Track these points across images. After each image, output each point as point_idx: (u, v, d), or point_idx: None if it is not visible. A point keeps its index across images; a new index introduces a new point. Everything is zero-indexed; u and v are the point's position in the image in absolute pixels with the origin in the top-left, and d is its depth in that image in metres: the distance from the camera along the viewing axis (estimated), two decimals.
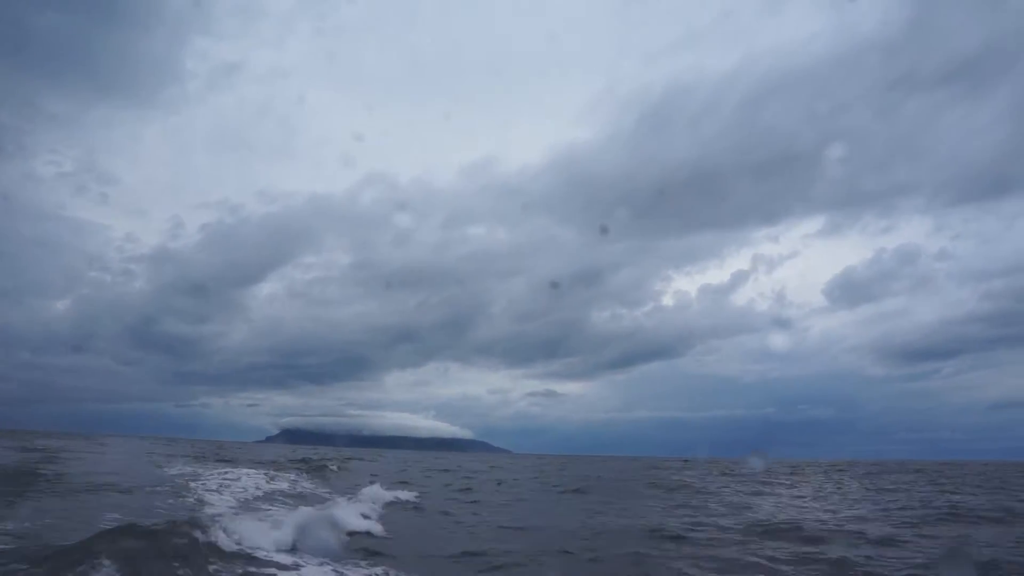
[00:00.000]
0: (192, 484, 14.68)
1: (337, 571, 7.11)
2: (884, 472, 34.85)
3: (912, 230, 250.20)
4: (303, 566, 6.99)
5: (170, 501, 11.64)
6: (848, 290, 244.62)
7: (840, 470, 37.67)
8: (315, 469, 23.55)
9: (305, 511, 10.30)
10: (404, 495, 15.82)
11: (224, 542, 7.02)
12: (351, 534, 9.72)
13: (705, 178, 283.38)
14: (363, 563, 7.75)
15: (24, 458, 18.91)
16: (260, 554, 7.08)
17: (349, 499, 13.29)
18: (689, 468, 37.39)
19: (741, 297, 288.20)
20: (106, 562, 5.31)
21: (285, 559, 7.16)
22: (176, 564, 5.87)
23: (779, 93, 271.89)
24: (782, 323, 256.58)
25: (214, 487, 14.16)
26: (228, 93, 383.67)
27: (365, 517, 11.20)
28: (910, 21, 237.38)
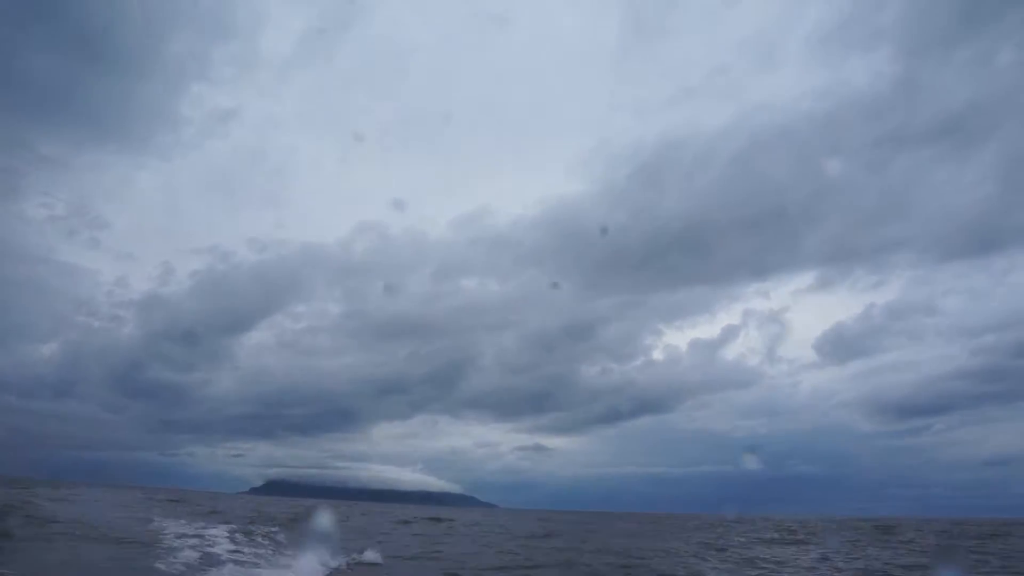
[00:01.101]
0: (148, 539, 14.90)
1: None
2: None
3: (902, 285, 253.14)
4: None
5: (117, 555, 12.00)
6: (838, 345, 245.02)
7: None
8: (289, 522, 23.34)
9: None
10: (370, 555, 15.19)
11: None
12: None
13: (696, 232, 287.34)
14: None
15: None
16: None
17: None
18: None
19: (731, 352, 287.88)
20: None
21: None
22: None
23: (770, 148, 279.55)
24: (772, 378, 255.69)
25: (171, 544, 14.39)
26: (222, 140, 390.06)
27: None
28: (899, 79, 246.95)
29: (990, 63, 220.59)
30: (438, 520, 35.67)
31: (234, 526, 19.60)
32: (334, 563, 13.88)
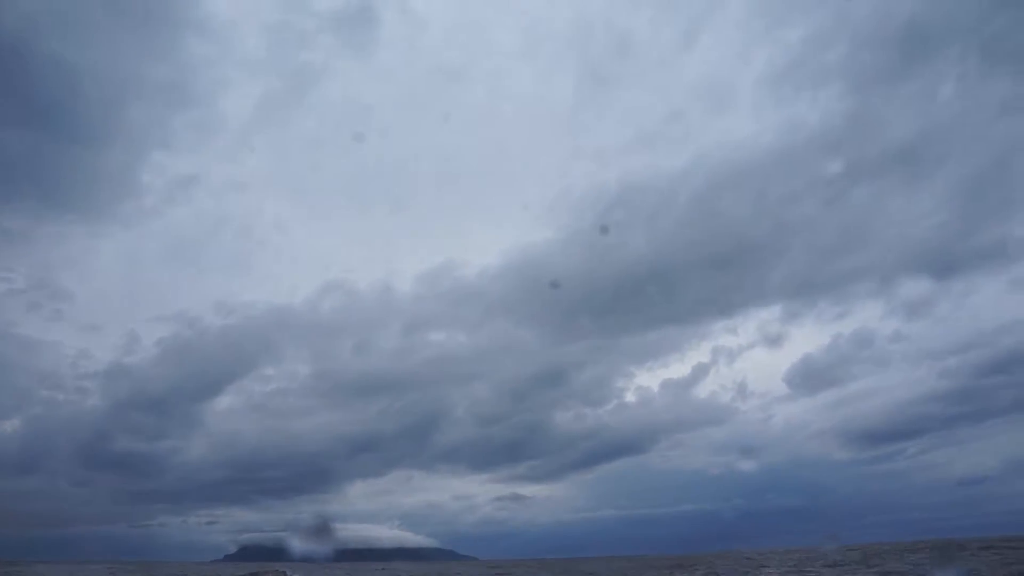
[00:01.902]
0: None
1: None
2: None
3: (866, 314, 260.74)
4: None
5: None
6: (808, 377, 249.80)
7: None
8: None
9: None
10: None
11: None
12: None
13: (662, 274, 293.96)
14: None
15: None
16: None
17: None
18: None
19: (703, 390, 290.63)
20: None
21: None
22: None
23: (729, 188, 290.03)
24: (745, 413, 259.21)
25: None
26: (185, 206, 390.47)
27: None
28: (850, 114, 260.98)
29: (933, 96, 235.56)
30: None
31: None
32: None
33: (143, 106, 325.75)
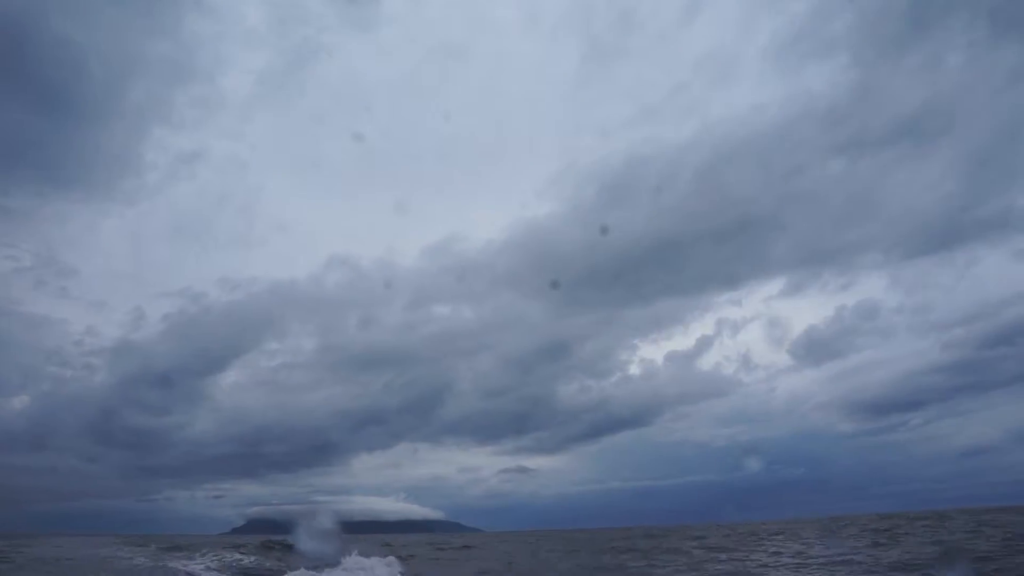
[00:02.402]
0: None
1: None
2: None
3: (870, 286, 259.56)
4: None
5: None
6: (812, 348, 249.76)
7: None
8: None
9: None
10: None
11: None
12: None
13: (667, 246, 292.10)
14: None
15: None
16: None
17: None
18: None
19: (707, 362, 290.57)
20: None
21: None
22: None
23: (734, 160, 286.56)
24: (749, 385, 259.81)
25: None
26: (188, 182, 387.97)
27: None
28: (856, 85, 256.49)
29: (940, 65, 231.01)
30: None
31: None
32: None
33: (145, 83, 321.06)
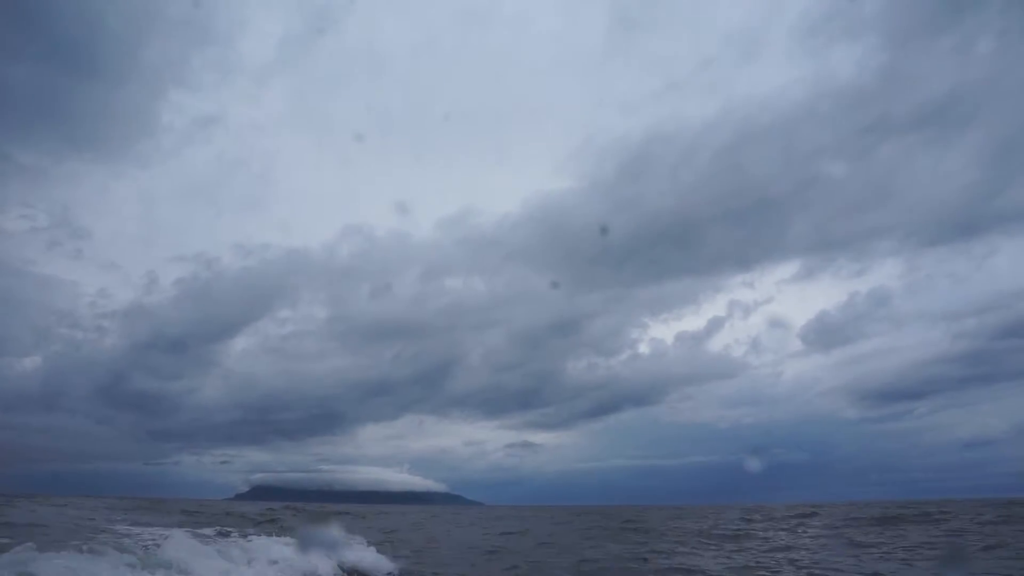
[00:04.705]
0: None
1: None
2: None
3: (885, 273, 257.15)
4: None
5: None
6: (822, 334, 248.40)
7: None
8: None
9: None
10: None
11: None
12: None
13: (682, 225, 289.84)
14: None
15: None
16: None
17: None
18: None
19: (717, 343, 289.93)
20: None
21: None
22: None
23: (756, 140, 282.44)
24: (757, 368, 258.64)
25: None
26: (204, 146, 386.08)
27: None
28: (883, 68, 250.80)
29: (971, 51, 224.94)
30: None
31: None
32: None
33: (162, 43, 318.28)
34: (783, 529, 22.78)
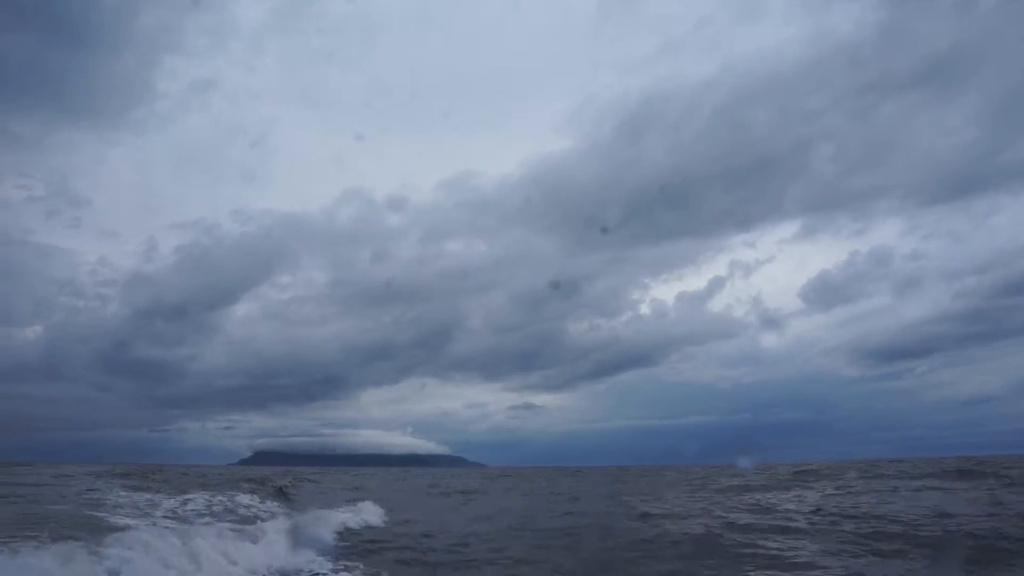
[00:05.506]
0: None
1: None
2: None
3: (885, 232, 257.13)
4: None
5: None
6: (823, 293, 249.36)
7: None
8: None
9: None
10: None
11: None
12: None
13: (682, 185, 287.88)
14: None
15: None
16: None
17: None
18: None
19: (718, 303, 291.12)
20: None
21: None
22: None
23: (755, 99, 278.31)
24: (758, 328, 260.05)
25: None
26: (200, 112, 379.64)
27: None
28: (883, 25, 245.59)
29: (972, 8, 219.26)
30: None
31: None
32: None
33: (155, 9, 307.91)
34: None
